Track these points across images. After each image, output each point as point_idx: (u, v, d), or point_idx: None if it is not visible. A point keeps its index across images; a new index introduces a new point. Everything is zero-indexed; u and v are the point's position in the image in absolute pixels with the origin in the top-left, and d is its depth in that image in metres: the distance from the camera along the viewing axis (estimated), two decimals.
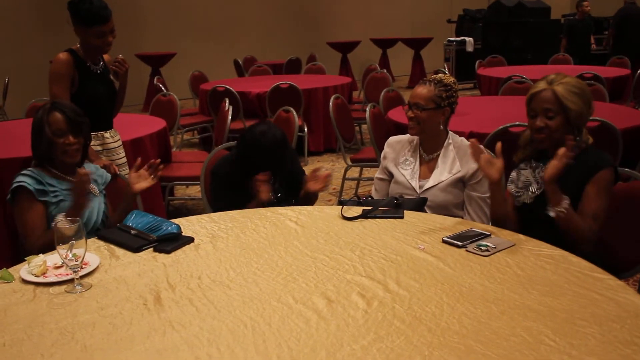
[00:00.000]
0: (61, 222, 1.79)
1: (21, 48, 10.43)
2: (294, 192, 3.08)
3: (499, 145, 2.32)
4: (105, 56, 3.33)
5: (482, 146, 2.35)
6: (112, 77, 3.34)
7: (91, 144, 3.19)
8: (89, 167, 2.58)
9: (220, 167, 3.00)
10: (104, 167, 2.80)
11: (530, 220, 2.36)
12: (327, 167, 6.50)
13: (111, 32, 3.12)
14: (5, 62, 10.09)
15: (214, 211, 2.87)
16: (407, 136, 2.85)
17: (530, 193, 2.38)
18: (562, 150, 2.15)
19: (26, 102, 6.05)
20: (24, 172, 2.38)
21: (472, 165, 2.67)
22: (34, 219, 2.31)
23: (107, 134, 3.33)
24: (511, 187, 2.46)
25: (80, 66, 3.14)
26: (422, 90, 2.72)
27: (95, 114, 3.24)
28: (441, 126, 2.73)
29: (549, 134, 2.30)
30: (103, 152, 3.28)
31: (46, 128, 2.39)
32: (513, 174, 2.48)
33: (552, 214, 2.18)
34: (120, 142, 3.44)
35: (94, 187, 2.53)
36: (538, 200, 2.33)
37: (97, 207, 2.48)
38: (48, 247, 2.04)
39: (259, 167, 2.75)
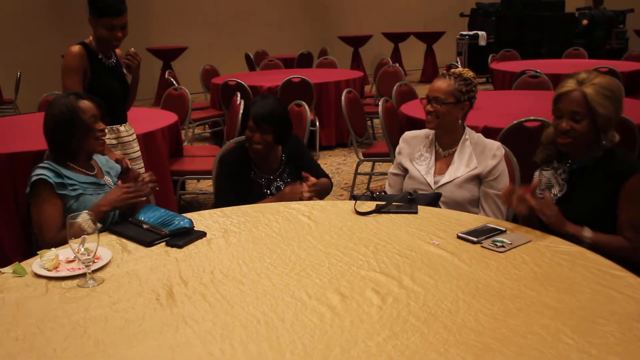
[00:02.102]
0: (73, 215, 1.78)
1: (33, 42, 10.46)
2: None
3: (535, 181, 2.29)
4: (117, 50, 3.32)
5: (511, 187, 2.24)
6: (124, 70, 3.34)
7: (105, 137, 3.19)
8: (99, 159, 2.58)
9: (227, 155, 3.01)
10: (117, 161, 2.79)
11: None
12: (339, 162, 6.48)
13: (122, 28, 3.10)
14: (17, 56, 10.13)
15: (219, 205, 2.88)
16: (422, 131, 2.82)
17: (552, 195, 2.30)
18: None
19: (38, 96, 6.06)
20: (42, 165, 2.35)
21: (490, 162, 2.64)
22: (53, 214, 2.28)
23: (122, 128, 3.32)
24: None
25: (93, 59, 3.14)
26: (442, 84, 2.68)
27: (109, 107, 3.22)
28: (460, 121, 2.70)
29: (575, 137, 2.18)
30: (118, 146, 3.27)
31: (81, 115, 2.37)
32: (536, 175, 2.40)
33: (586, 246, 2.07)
34: (134, 136, 3.44)
35: (108, 179, 2.53)
36: (561, 203, 2.25)
37: None
38: (64, 244, 2.02)
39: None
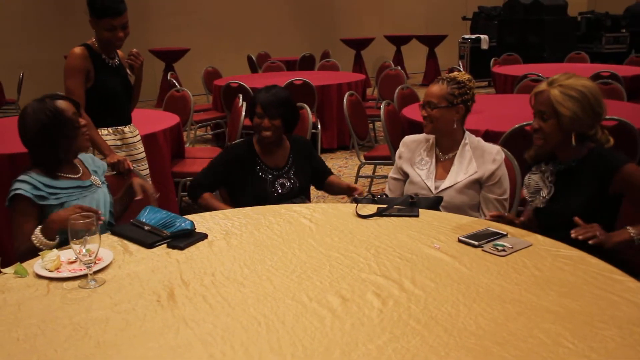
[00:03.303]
0: (75, 217, 1.78)
1: (36, 42, 10.49)
2: (317, 183, 3.13)
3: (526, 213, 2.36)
4: (120, 52, 3.33)
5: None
6: (127, 71, 3.34)
7: (110, 138, 3.20)
8: (85, 158, 2.52)
9: (234, 145, 3.09)
10: (119, 162, 2.79)
11: (545, 223, 2.33)
12: (341, 164, 6.48)
13: (123, 28, 3.10)
14: (20, 56, 10.15)
15: (193, 181, 2.99)
16: (423, 135, 2.82)
17: (541, 198, 2.33)
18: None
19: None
20: (21, 178, 2.29)
21: (489, 167, 2.64)
22: (23, 228, 2.25)
23: (126, 129, 3.32)
24: (525, 192, 2.42)
25: (96, 60, 3.14)
26: (435, 88, 2.69)
27: (113, 108, 3.24)
28: (455, 125, 2.69)
29: (544, 136, 2.26)
30: (123, 147, 3.27)
31: (65, 114, 2.32)
32: (526, 179, 2.44)
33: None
34: (139, 137, 3.44)
35: (96, 179, 2.49)
36: (550, 204, 2.29)
37: (102, 198, 2.45)
38: (28, 255, 2.04)
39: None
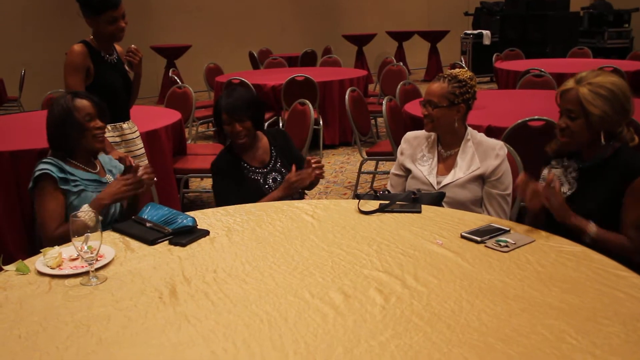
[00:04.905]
0: (76, 213, 1.78)
1: (37, 40, 10.48)
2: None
3: (551, 174, 2.21)
4: (118, 48, 3.33)
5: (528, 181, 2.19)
6: (126, 67, 3.34)
7: (109, 135, 3.20)
8: (103, 158, 2.59)
9: (217, 161, 2.99)
10: (120, 159, 2.79)
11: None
12: (343, 160, 6.47)
13: (122, 18, 3.13)
14: (21, 53, 10.15)
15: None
16: (424, 131, 2.80)
17: (562, 193, 2.30)
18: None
19: (42, 94, 6.08)
20: (46, 160, 2.37)
21: (492, 162, 2.62)
22: (55, 209, 2.31)
23: (125, 125, 3.32)
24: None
25: (95, 56, 3.14)
26: (436, 87, 2.65)
27: (112, 105, 3.22)
28: (456, 123, 2.66)
29: (571, 135, 2.19)
30: (121, 144, 3.27)
31: (75, 114, 2.39)
32: (545, 172, 2.39)
33: (587, 240, 2.08)
34: (138, 134, 3.44)
35: (111, 178, 2.56)
36: (569, 201, 2.24)
37: None
38: (65, 239, 2.02)
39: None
